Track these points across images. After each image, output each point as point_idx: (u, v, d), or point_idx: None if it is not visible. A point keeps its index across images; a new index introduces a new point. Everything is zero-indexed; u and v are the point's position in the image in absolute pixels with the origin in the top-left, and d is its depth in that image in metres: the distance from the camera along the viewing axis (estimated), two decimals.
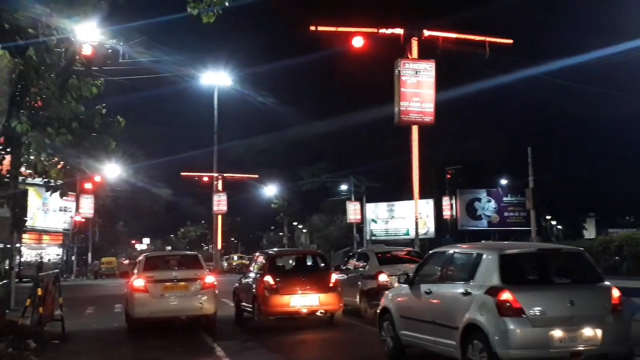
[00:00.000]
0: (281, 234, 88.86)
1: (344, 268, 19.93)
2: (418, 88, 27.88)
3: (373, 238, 61.05)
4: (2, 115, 14.50)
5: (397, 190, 58.64)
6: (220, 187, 57.17)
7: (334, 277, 16.78)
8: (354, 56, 29.78)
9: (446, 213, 59.36)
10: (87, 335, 16.31)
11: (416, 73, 27.88)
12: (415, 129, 28.61)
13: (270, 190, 74.19)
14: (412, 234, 35.62)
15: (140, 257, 18.14)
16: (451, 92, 37.55)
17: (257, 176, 67.65)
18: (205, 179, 59.81)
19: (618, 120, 60.30)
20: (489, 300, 8.95)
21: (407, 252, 20.00)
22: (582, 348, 8.77)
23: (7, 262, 21.89)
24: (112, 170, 49.04)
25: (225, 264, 64.24)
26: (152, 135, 71.10)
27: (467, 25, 34.77)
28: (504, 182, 64.71)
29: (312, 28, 27.94)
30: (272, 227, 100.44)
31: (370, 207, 62.91)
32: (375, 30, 28.21)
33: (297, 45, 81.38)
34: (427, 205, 57.04)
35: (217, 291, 16.52)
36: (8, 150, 18.94)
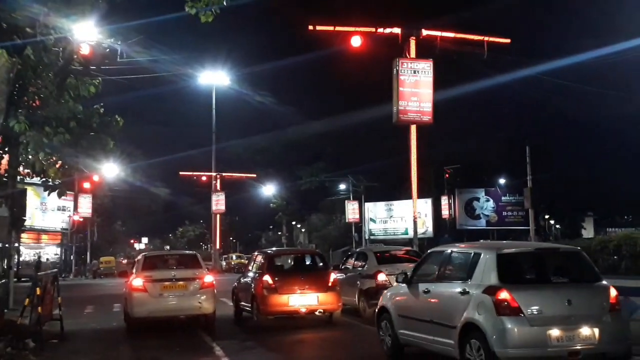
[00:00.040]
0: (280, 233, 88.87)
1: (342, 267, 19.93)
2: (416, 87, 27.86)
3: (372, 237, 61.04)
4: (0, 115, 14.52)
5: (396, 190, 58.72)
6: (218, 187, 57.14)
7: (333, 276, 16.77)
8: (352, 56, 29.74)
9: (445, 212, 59.35)
10: (85, 334, 16.30)
11: (414, 72, 27.85)
12: (413, 129, 28.59)
13: (268, 190, 74.20)
14: (411, 234, 35.66)
15: (139, 257, 18.11)
16: (449, 91, 37.59)
17: (255, 176, 67.64)
18: (204, 178, 59.74)
19: (617, 120, 60.45)
20: (487, 299, 8.96)
21: (406, 252, 19.97)
22: (579, 347, 8.77)
23: (5, 261, 21.88)
24: (110, 170, 48.93)
25: (224, 263, 64.27)
26: (150, 135, 71.15)
27: (465, 24, 34.79)
28: (502, 181, 64.78)
29: (310, 28, 27.90)
30: (271, 227, 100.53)
31: (368, 207, 62.93)
32: (373, 29, 28.17)
33: (295, 44, 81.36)
34: (426, 205, 57.10)
35: (216, 290, 16.51)
36: (6, 149, 18.91)
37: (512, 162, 54.62)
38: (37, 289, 13.84)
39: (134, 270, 16.85)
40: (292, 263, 19.13)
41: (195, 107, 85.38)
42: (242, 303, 17.63)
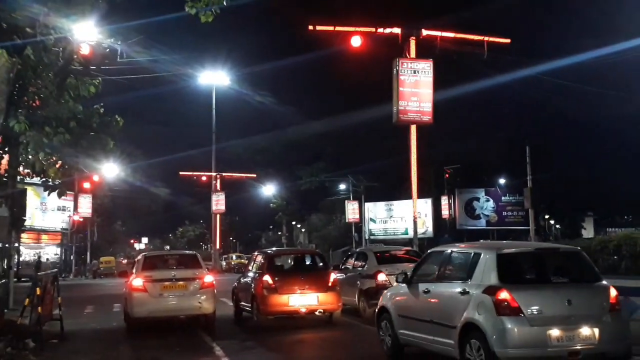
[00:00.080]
0: (280, 233, 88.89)
1: (342, 267, 19.93)
2: (416, 87, 27.86)
3: (372, 237, 61.04)
4: (0, 115, 14.52)
5: (396, 190, 58.71)
6: (218, 187, 57.16)
7: (333, 276, 16.77)
8: (352, 56, 29.75)
9: (445, 212, 59.35)
10: (85, 334, 16.29)
11: (414, 72, 27.85)
12: (413, 129, 28.59)
13: (268, 190, 74.20)
14: (411, 234, 35.65)
15: (139, 257, 18.11)
16: (450, 91, 37.58)
17: (255, 176, 67.64)
18: (204, 178, 59.76)
19: (617, 121, 60.43)
20: (487, 299, 8.97)
21: (406, 252, 19.97)
22: (579, 347, 8.78)
23: (5, 261, 21.87)
24: (110, 170, 48.94)
25: (224, 263, 64.27)
26: (150, 135, 71.16)
27: (465, 24, 34.78)
28: (502, 181, 64.78)
29: (310, 28, 27.90)
30: (271, 227, 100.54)
31: (368, 207, 62.93)
32: (373, 29, 28.17)
33: (295, 44, 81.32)
34: (426, 205, 57.11)
35: (215, 291, 16.52)
36: (6, 149, 18.92)
37: (512, 162, 54.64)
38: (37, 289, 13.84)
39: (134, 270, 16.85)
40: (292, 263, 19.13)
41: (195, 107, 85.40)
42: (242, 303, 17.63)
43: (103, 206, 70.26)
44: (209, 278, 16.27)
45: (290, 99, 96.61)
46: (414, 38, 28.32)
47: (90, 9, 15.67)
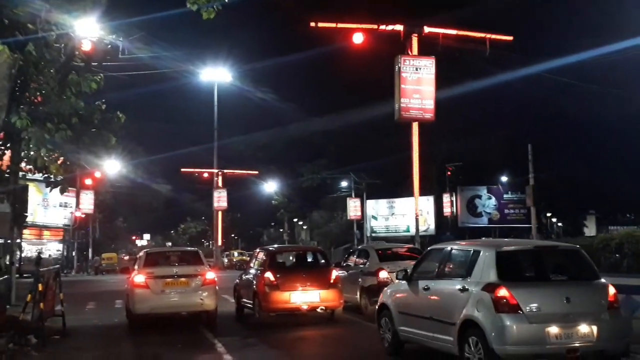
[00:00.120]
0: (281, 230, 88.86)
1: (344, 265, 19.97)
2: (418, 85, 27.87)
3: (373, 235, 61.03)
4: (2, 111, 14.52)
5: (398, 187, 58.61)
6: (220, 184, 57.23)
7: (335, 273, 16.82)
8: (354, 53, 29.78)
9: (446, 210, 59.32)
10: (87, 331, 16.32)
11: (416, 70, 27.85)
12: (415, 126, 28.60)
13: (270, 187, 74.20)
14: (413, 231, 35.59)
15: (141, 253, 18.15)
16: (452, 89, 37.54)
17: (257, 172, 67.65)
18: (206, 175, 59.89)
19: (619, 119, 60.24)
20: (486, 296, 9.00)
21: (408, 249, 20.02)
22: (578, 344, 8.81)
23: (7, 257, 21.93)
24: (112, 166, 49.13)
25: (225, 260, 64.24)
26: (151, 131, 71.06)
27: (467, 22, 34.76)
28: (504, 179, 64.72)
29: (312, 24, 27.90)
30: (273, 224, 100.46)
31: (370, 204, 62.89)
32: (375, 26, 28.16)
33: (297, 41, 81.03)
34: (428, 202, 57.08)
35: (217, 287, 16.54)
36: (8, 145, 18.93)
37: (514, 159, 54.44)
38: (39, 285, 13.88)
39: (135, 267, 16.87)
40: (294, 260, 19.14)
41: (197, 103, 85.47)
42: (244, 300, 17.67)
43: (105, 202, 70.32)
44: (210, 275, 16.29)
45: (292, 95, 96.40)
46: (416, 35, 28.31)
47: (92, 5, 15.67)
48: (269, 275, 15.99)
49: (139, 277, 15.82)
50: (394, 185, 59.66)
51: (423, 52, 28.40)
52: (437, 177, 60.45)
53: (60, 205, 59.69)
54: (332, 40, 29.41)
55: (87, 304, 23.16)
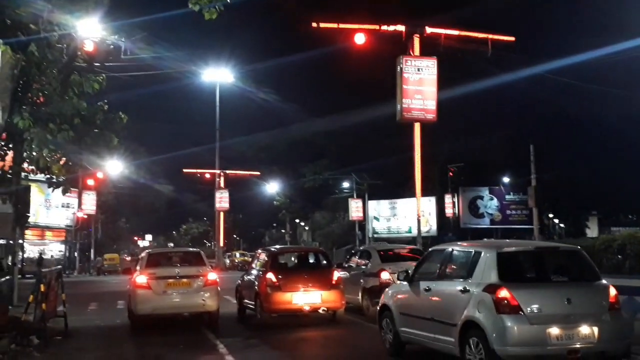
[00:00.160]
0: (283, 231, 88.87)
1: (346, 266, 19.97)
2: (420, 85, 27.86)
3: (375, 236, 61.02)
4: (5, 112, 14.57)
5: (400, 188, 58.58)
6: (222, 184, 57.24)
7: (336, 274, 16.80)
8: (356, 53, 29.77)
9: (448, 211, 59.25)
10: (90, 331, 16.31)
11: (418, 70, 27.84)
12: (417, 127, 28.58)
13: (272, 188, 74.17)
14: (415, 232, 35.66)
15: (143, 254, 18.17)
16: (453, 89, 37.52)
17: (259, 173, 67.66)
18: (207, 175, 59.89)
19: (621, 119, 60.23)
20: (487, 297, 9.01)
21: (410, 250, 19.98)
22: (579, 346, 8.81)
23: (10, 258, 21.95)
24: (114, 167, 49.14)
25: (227, 261, 64.24)
26: (153, 132, 71.25)
27: (469, 22, 34.77)
28: (506, 180, 64.63)
29: (314, 25, 27.89)
30: (275, 225, 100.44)
31: (372, 205, 62.88)
32: (377, 27, 28.14)
33: (299, 42, 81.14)
34: (430, 203, 57.02)
35: (219, 288, 16.56)
36: (10, 146, 19.00)
37: (517, 160, 54.44)
38: (41, 285, 13.90)
39: (137, 268, 16.87)
40: (296, 261, 19.13)
41: (199, 104, 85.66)
42: (246, 301, 17.66)
43: (107, 203, 70.38)
44: (212, 275, 16.30)
45: (293, 96, 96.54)
46: (418, 35, 28.30)
47: (94, 5, 15.75)
48: (270, 276, 15.99)
49: (141, 278, 15.83)
50: (396, 186, 59.63)
51: (425, 52, 28.39)
52: (439, 178, 60.39)
53: (63, 206, 59.75)
54: (334, 40, 29.40)
55: (89, 304, 23.16)
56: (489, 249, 9.67)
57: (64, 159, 19.50)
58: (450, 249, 10.90)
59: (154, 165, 67.39)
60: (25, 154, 19.62)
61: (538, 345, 8.74)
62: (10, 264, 21.91)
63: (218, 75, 52.84)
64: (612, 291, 9.34)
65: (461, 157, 60.75)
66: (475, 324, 9.14)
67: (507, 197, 63.11)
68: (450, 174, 61.23)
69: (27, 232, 44.80)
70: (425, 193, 37.52)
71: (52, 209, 58.92)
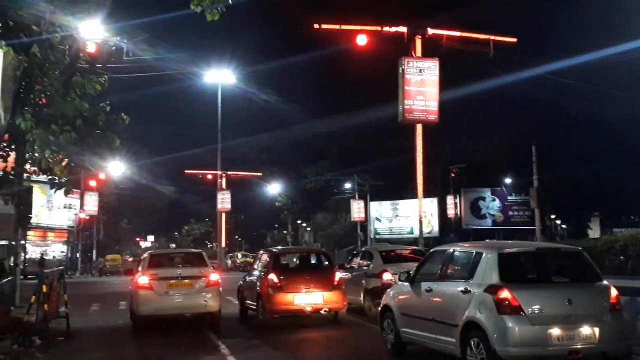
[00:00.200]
0: (285, 232, 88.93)
1: (348, 266, 19.98)
2: (422, 86, 27.93)
3: (377, 237, 61.09)
4: (7, 113, 14.56)
5: (401, 189, 58.67)
6: (224, 185, 57.28)
7: (338, 275, 16.78)
8: (358, 54, 29.81)
9: (450, 212, 59.23)
10: (92, 332, 16.31)
11: (420, 71, 27.91)
12: (419, 128, 28.65)
13: (274, 189, 74.22)
14: (416, 233, 35.68)
15: (145, 255, 18.18)
16: (455, 90, 37.56)
17: (261, 174, 67.76)
18: (209, 176, 59.96)
19: (623, 120, 60.19)
20: (488, 298, 9.02)
21: (412, 251, 19.98)
22: (580, 346, 8.82)
23: (12, 259, 21.96)
24: (116, 168, 49.23)
25: (229, 261, 64.26)
26: (155, 133, 71.35)
27: (471, 23, 34.76)
28: (508, 181, 64.60)
29: (316, 26, 27.97)
30: (276, 225, 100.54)
31: (374, 206, 62.92)
32: (379, 28, 28.23)
33: (301, 43, 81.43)
34: (432, 204, 57.11)
35: (221, 289, 16.56)
36: (12, 147, 18.98)
37: (518, 161, 54.43)
38: (44, 286, 13.92)
39: (139, 268, 16.90)
40: (298, 262, 19.14)
41: (200, 105, 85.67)
42: (248, 301, 17.67)
43: (109, 204, 70.46)
44: (214, 276, 16.31)
45: (295, 97, 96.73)
46: (420, 37, 28.38)
47: (96, 7, 15.77)
48: (272, 277, 16.01)
49: (142, 279, 15.85)
50: (398, 187, 59.71)
51: (427, 53, 28.47)
52: (441, 179, 60.44)
53: (65, 207, 59.73)
54: (336, 42, 29.52)
55: (91, 305, 23.17)
56: (490, 250, 9.68)
57: (66, 160, 19.47)
58: (451, 250, 10.93)
59: (156, 166, 67.48)
60: (27, 155, 19.60)
61: (539, 346, 8.75)
62: (12, 264, 21.91)
63: (220, 76, 52.91)
64: (613, 292, 9.34)
65: (463, 158, 60.80)
66: (476, 325, 9.15)
67: (509, 198, 63.11)
68: (452, 174, 61.23)
69: (30, 233, 44.70)
70: (427, 194, 37.61)
71: (54, 210, 58.89)
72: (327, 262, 17.70)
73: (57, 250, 60.41)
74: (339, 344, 14.19)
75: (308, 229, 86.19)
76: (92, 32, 17.49)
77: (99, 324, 17.95)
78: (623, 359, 9.40)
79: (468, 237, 51.97)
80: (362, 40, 27.83)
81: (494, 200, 63.25)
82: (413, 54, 28.27)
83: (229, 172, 58.40)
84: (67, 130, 16.82)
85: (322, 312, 16.17)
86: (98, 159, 20.39)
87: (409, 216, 58.52)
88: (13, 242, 21.90)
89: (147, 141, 64.61)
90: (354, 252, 24.96)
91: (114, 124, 19.28)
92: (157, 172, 69.50)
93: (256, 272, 17.57)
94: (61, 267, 20.96)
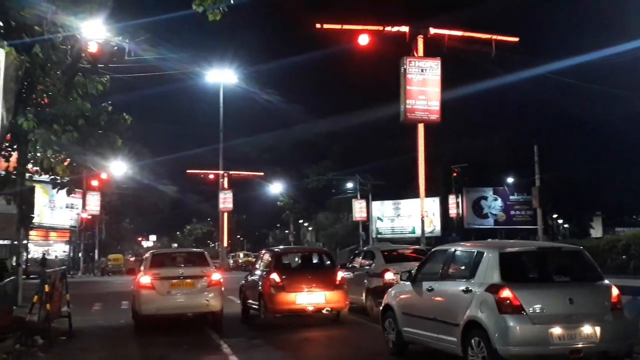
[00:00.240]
0: (287, 231, 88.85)
1: (349, 266, 19.99)
2: (424, 86, 27.93)
3: (379, 236, 61.05)
4: (9, 113, 14.58)
5: (403, 189, 58.66)
6: (226, 185, 57.29)
7: (340, 275, 16.79)
8: (360, 54, 29.83)
9: (452, 211, 59.25)
10: (94, 331, 16.33)
11: (422, 71, 27.92)
12: (421, 127, 28.64)
13: (276, 188, 74.19)
14: (418, 232, 35.71)
15: (147, 255, 18.17)
16: (457, 90, 37.55)
17: (262, 174, 67.74)
18: (211, 176, 59.97)
19: (625, 120, 60.11)
20: (489, 297, 9.03)
21: (413, 250, 19.97)
22: (581, 345, 8.83)
23: (14, 258, 21.99)
24: (118, 168, 49.19)
25: (231, 261, 64.27)
26: (157, 133, 71.29)
27: (473, 23, 34.81)
28: (510, 180, 64.60)
29: (318, 26, 27.98)
30: (278, 225, 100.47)
31: (376, 205, 62.88)
32: (380, 28, 28.24)
33: (303, 43, 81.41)
34: (434, 204, 57.10)
35: (223, 288, 16.56)
36: (15, 147, 19.02)
37: (520, 161, 54.43)
38: (46, 286, 13.92)
39: (141, 268, 16.92)
40: (300, 261, 19.17)
41: (202, 105, 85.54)
42: (250, 301, 17.67)
43: (111, 204, 70.47)
44: (216, 276, 16.32)
45: (297, 97, 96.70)
46: (422, 36, 28.39)
47: (98, 7, 15.78)
48: (274, 276, 16.01)
49: (145, 278, 15.86)
50: (400, 187, 59.70)
51: (428, 53, 28.47)
52: (442, 179, 60.43)
53: (67, 207, 59.72)
54: (338, 41, 29.53)
55: (93, 305, 23.19)
56: (492, 249, 9.69)
57: (68, 159, 19.50)
58: (452, 249, 10.94)
59: (157, 166, 67.48)
60: (29, 155, 19.65)
61: (540, 345, 8.76)
62: (14, 264, 21.95)
63: (222, 76, 52.93)
64: (614, 291, 9.35)
65: (465, 158, 60.80)
66: (477, 324, 9.16)
67: (511, 197, 63.13)
68: (454, 174, 61.26)
69: (32, 232, 44.85)
70: (429, 193, 37.60)
71: (57, 210, 58.87)
72: (329, 262, 17.69)
73: (59, 250, 60.43)
74: (341, 344, 14.20)
75: (310, 228, 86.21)
76: (94, 32, 17.51)
77: (101, 323, 17.97)
78: (624, 358, 9.41)
79: (470, 237, 51.99)
80: (363, 40, 27.84)
81: (496, 199, 63.26)
82: (415, 54, 28.28)
83: (231, 172, 58.42)
84: (69, 130, 16.84)
85: (324, 311, 16.18)
86: (100, 158, 20.41)
87: (411, 216, 58.52)
88: (15, 242, 21.94)
89: (149, 141, 64.66)
90: (356, 251, 24.96)
91: (116, 123, 19.30)
92: (159, 172, 69.51)
93: (258, 272, 17.58)
94: (63, 267, 20.99)
